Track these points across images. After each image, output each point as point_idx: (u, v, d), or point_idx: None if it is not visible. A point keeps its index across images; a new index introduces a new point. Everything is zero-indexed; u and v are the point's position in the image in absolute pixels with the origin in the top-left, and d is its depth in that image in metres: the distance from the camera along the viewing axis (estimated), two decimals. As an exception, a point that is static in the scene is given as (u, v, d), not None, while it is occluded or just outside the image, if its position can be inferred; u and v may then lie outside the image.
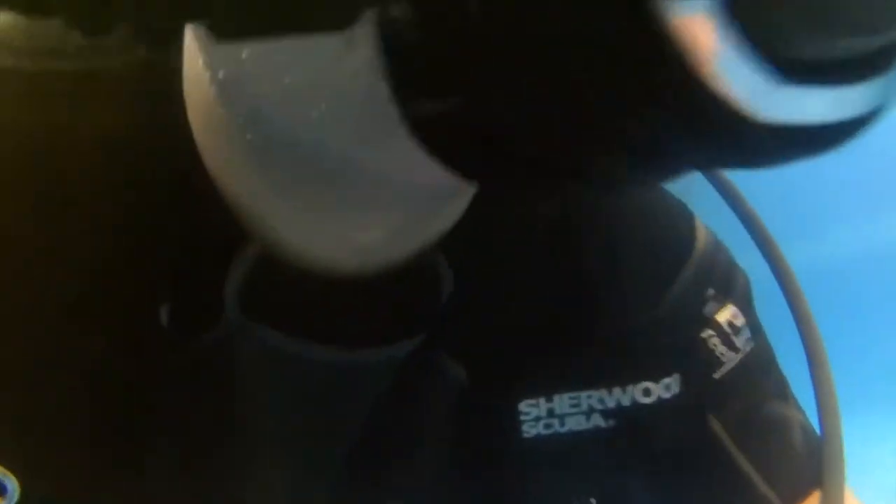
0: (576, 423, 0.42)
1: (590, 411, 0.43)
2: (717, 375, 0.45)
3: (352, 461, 0.40)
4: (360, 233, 0.33)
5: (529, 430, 0.42)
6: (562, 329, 0.43)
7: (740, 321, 0.46)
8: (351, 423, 0.39)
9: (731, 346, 0.45)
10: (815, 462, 0.44)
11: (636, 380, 0.43)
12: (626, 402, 0.43)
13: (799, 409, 0.48)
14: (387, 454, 0.41)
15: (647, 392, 0.43)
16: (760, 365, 0.47)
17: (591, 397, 0.43)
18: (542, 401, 0.42)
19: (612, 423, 0.43)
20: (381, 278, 0.35)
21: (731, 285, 0.46)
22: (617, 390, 0.43)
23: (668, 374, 0.43)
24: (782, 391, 0.48)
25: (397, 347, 0.38)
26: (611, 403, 0.43)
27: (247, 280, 0.34)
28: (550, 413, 0.42)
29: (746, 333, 0.46)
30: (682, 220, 0.46)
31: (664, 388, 0.43)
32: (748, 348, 0.46)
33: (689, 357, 0.44)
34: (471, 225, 0.36)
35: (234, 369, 0.36)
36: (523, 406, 0.42)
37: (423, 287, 0.37)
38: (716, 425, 0.45)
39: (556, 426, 0.42)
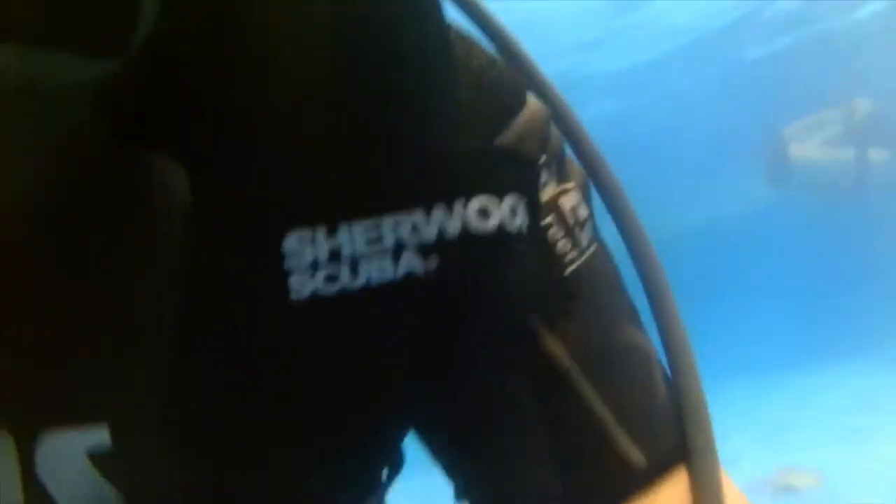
0: (378, 272, 0.29)
1: (398, 248, 0.29)
2: (565, 272, 0.34)
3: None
4: None
5: (300, 288, 0.28)
6: (344, 123, 0.30)
7: (584, 213, 0.35)
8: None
9: (576, 243, 0.34)
10: (679, 423, 0.34)
11: (467, 193, 0.29)
12: (453, 229, 0.29)
13: (653, 345, 0.37)
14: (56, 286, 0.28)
15: (484, 213, 0.30)
16: (607, 276, 0.36)
17: (399, 225, 0.29)
18: (319, 233, 0.28)
19: (433, 265, 0.29)
20: None
21: (569, 168, 0.36)
22: (439, 212, 0.29)
23: (513, 189, 0.31)
24: (635, 317, 0.37)
25: (85, 65, 0.26)
26: (430, 233, 0.29)
27: None
28: (335, 255, 0.28)
29: (590, 231, 0.35)
30: (513, 79, 0.35)
31: (509, 212, 0.30)
32: (592, 249, 0.35)
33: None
34: None
35: None
36: (290, 242, 0.28)
37: None
38: (557, 348, 0.33)
39: (346, 278, 0.28)
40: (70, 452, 0.28)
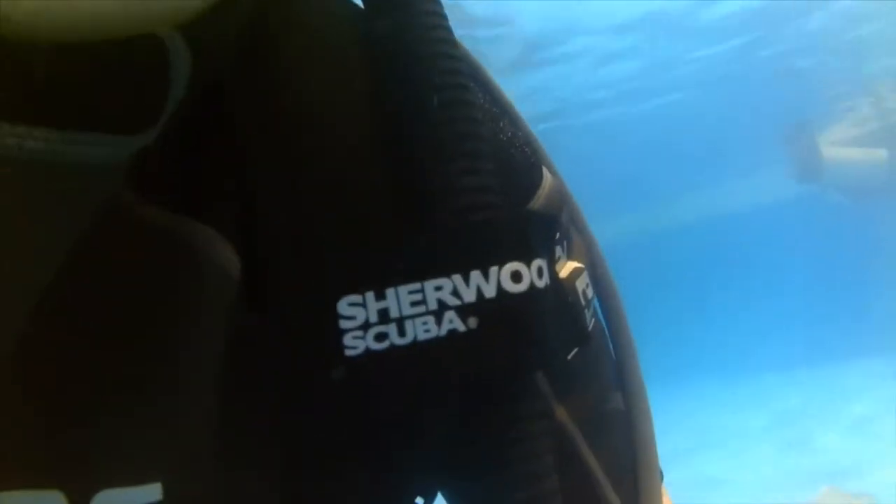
0: (422, 330, 0.30)
1: (441, 310, 0.30)
2: (568, 356, 0.37)
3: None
4: None
5: (354, 345, 0.30)
6: (385, 194, 0.32)
7: (591, 293, 0.38)
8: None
9: (587, 321, 0.38)
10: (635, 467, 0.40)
11: (500, 260, 0.31)
12: (490, 292, 0.31)
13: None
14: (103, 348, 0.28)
15: (517, 276, 0.31)
16: (603, 349, 0.41)
17: (440, 288, 0.30)
18: (369, 297, 0.30)
19: (473, 324, 0.31)
20: (107, 52, 0.26)
21: (575, 242, 0.39)
22: (476, 275, 0.31)
23: (539, 256, 0.32)
24: (618, 380, 0.42)
25: (120, 143, 0.27)
26: (469, 296, 0.31)
27: None
28: (384, 316, 0.30)
29: (593, 309, 0.38)
30: (534, 158, 0.39)
31: (537, 273, 0.32)
32: (592, 323, 0.38)
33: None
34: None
35: None
36: (343, 307, 0.30)
37: (152, 64, 0.28)
38: (563, 415, 0.37)
39: (394, 336, 0.30)
40: None
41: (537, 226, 0.34)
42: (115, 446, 0.28)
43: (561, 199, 0.39)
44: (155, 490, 0.29)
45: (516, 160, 0.37)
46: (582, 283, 0.37)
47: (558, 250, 0.36)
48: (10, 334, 0.27)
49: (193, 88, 0.29)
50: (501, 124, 0.38)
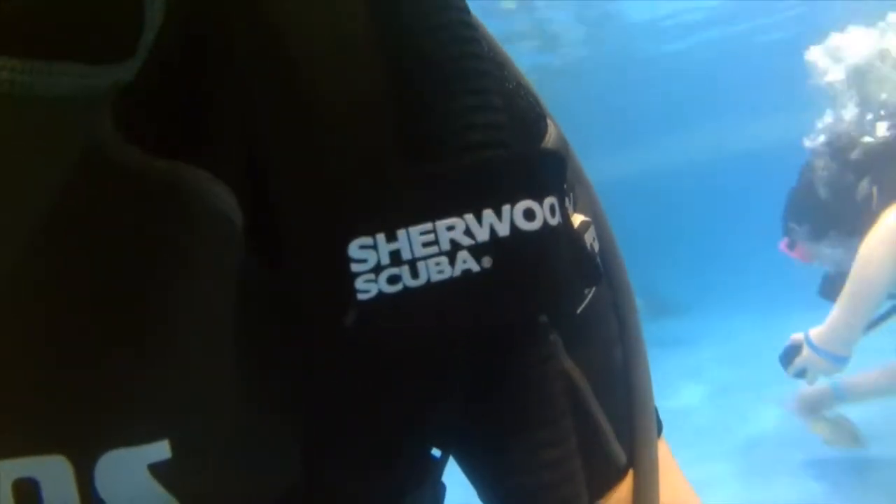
0: (436, 271, 0.30)
1: (454, 250, 0.30)
2: (578, 310, 0.37)
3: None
4: None
5: (367, 289, 0.30)
6: (392, 134, 0.31)
7: (597, 246, 0.38)
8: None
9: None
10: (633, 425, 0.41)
11: (512, 197, 0.31)
12: (503, 230, 0.31)
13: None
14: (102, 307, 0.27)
15: (529, 214, 0.31)
16: (608, 303, 0.42)
17: (453, 228, 0.30)
18: (380, 238, 0.30)
19: (488, 264, 0.30)
20: None
21: (582, 200, 0.40)
22: (489, 213, 0.30)
23: (550, 193, 0.32)
24: (618, 332, 0.43)
25: (92, 73, 0.26)
26: (482, 234, 0.30)
27: None
28: (396, 258, 0.30)
29: (598, 259, 0.38)
30: (538, 108, 0.39)
31: (549, 211, 0.32)
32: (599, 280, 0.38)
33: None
34: None
35: None
36: (354, 249, 0.30)
37: None
38: (574, 370, 0.37)
39: (407, 278, 0.30)
40: (130, 467, 0.28)
41: (548, 164, 0.33)
42: (117, 404, 0.28)
43: (566, 149, 0.39)
44: (162, 448, 0.28)
45: (522, 107, 0.37)
46: (590, 237, 0.37)
47: (567, 201, 0.36)
48: None
49: (176, 17, 0.27)
50: (505, 72, 0.37)
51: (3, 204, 0.26)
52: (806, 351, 2.11)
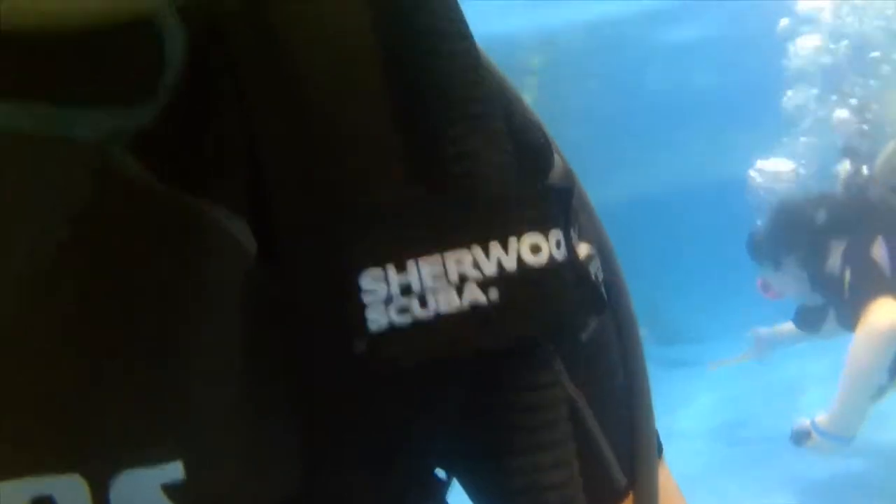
0: (444, 302, 0.30)
1: (461, 281, 0.30)
2: (583, 337, 0.38)
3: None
4: None
5: (377, 319, 0.30)
6: (400, 164, 0.32)
7: (601, 276, 0.38)
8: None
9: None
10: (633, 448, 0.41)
11: (518, 230, 0.31)
12: (510, 264, 0.31)
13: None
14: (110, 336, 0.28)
15: (535, 249, 0.31)
16: (611, 327, 0.42)
17: (460, 261, 0.30)
18: (390, 270, 0.30)
19: (494, 296, 0.31)
20: (95, 34, 0.26)
21: (586, 231, 0.40)
22: (495, 246, 0.31)
23: (556, 226, 0.32)
24: (621, 359, 0.43)
25: (115, 114, 0.27)
26: (489, 268, 0.31)
27: None
28: (406, 289, 0.30)
29: (602, 289, 0.39)
30: (544, 140, 0.39)
31: (555, 245, 0.32)
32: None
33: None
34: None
35: None
36: (365, 280, 0.30)
37: (143, 41, 0.28)
38: (578, 396, 0.38)
39: (416, 309, 0.30)
40: (145, 487, 0.29)
41: (554, 198, 0.34)
42: (133, 424, 0.28)
43: (571, 180, 0.39)
44: (176, 469, 0.29)
45: (528, 140, 0.38)
46: (594, 268, 0.37)
47: (572, 232, 0.36)
48: (12, 316, 0.27)
49: (192, 62, 0.29)
50: (512, 105, 0.38)
51: (32, 238, 0.27)
52: (815, 437, 2.25)
